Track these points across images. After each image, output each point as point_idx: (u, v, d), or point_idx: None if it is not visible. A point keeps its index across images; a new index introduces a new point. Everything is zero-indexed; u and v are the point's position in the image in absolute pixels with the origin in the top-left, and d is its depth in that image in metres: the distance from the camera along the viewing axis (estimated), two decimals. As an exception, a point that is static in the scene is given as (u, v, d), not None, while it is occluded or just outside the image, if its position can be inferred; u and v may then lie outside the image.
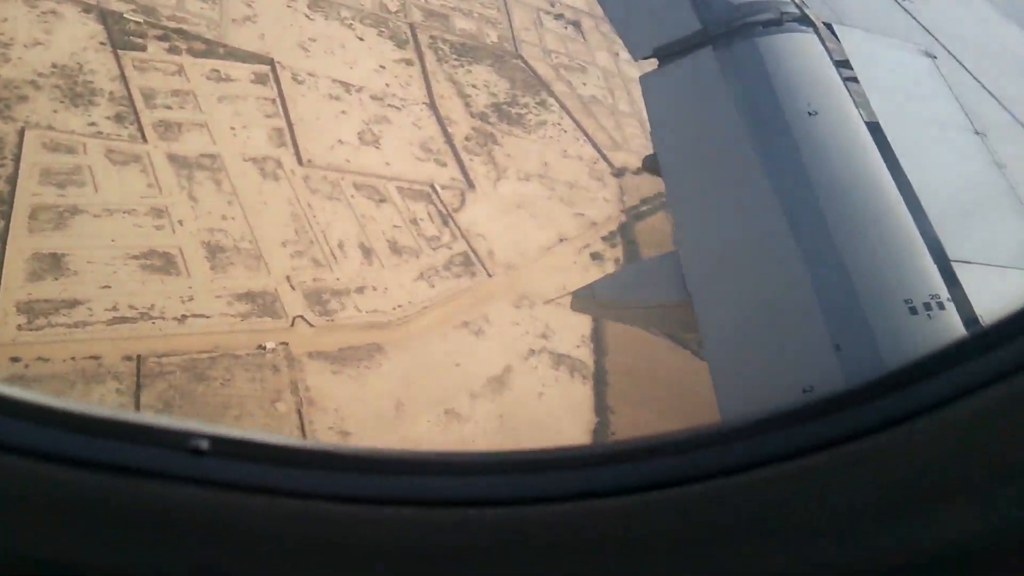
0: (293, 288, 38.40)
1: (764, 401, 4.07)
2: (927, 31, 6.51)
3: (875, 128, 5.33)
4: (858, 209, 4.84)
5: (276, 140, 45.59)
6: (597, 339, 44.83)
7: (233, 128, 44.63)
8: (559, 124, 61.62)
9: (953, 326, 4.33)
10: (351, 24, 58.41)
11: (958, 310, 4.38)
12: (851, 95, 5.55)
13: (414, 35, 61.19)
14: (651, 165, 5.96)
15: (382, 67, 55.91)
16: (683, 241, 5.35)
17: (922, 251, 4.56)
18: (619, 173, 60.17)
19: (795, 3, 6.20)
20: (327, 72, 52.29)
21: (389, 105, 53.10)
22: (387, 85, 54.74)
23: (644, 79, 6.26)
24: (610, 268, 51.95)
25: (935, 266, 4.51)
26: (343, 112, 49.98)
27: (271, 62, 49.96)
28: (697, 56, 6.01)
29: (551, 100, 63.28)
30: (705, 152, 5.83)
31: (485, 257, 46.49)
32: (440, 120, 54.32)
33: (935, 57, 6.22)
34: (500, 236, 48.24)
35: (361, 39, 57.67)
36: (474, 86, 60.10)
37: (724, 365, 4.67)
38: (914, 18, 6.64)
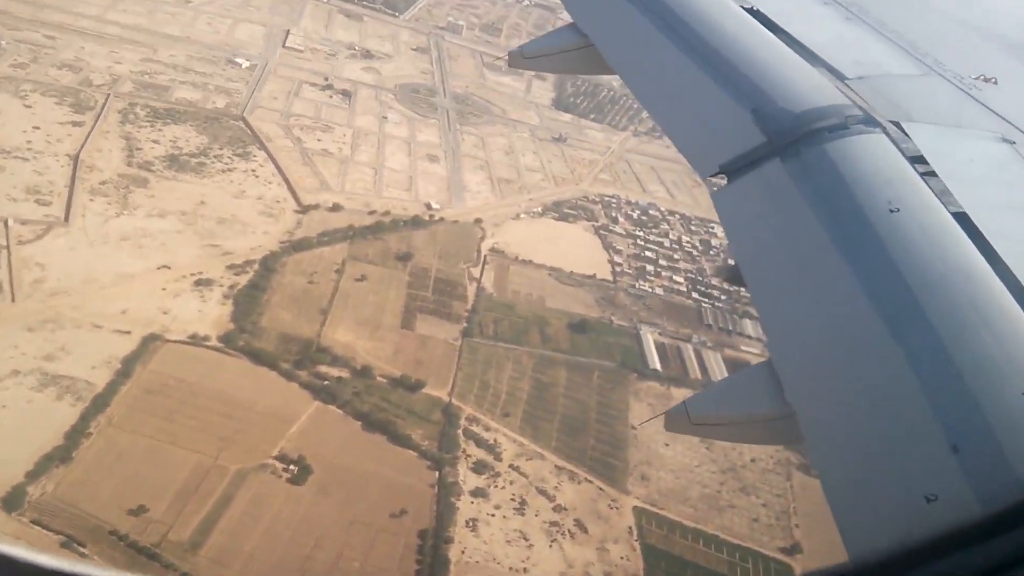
0: None
1: (885, 510, 3.92)
2: (1001, 117, 6.24)
3: (963, 218, 4.99)
4: (959, 302, 4.46)
5: None
6: (131, 360, 37.39)
7: None
8: (254, 172, 56.96)
9: None
10: (25, 95, 56.02)
11: None
12: (931, 189, 5.22)
13: (105, 103, 58.20)
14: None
15: (36, 128, 52.86)
16: (776, 350, 5.02)
17: None
18: (305, 210, 54.35)
19: (858, 106, 6.01)
20: (-54, 131, 48.96)
21: (14, 157, 49.28)
22: (28, 141, 51.43)
23: (716, 195, 6.09)
24: (216, 294, 44.89)
25: None
26: (-65, 162, 46.24)
27: None
28: (766, 168, 5.81)
29: (257, 152, 58.90)
30: (788, 261, 5.53)
31: (25, 285, 40.52)
32: (75, 167, 49.91)
33: (1014, 142, 5.97)
34: (68, 266, 42.52)
35: (28, 107, 54.91)
36: (156, 142, 56.35)
37: (838, 475, 4.25)
38: (985, 106, 6.39)
